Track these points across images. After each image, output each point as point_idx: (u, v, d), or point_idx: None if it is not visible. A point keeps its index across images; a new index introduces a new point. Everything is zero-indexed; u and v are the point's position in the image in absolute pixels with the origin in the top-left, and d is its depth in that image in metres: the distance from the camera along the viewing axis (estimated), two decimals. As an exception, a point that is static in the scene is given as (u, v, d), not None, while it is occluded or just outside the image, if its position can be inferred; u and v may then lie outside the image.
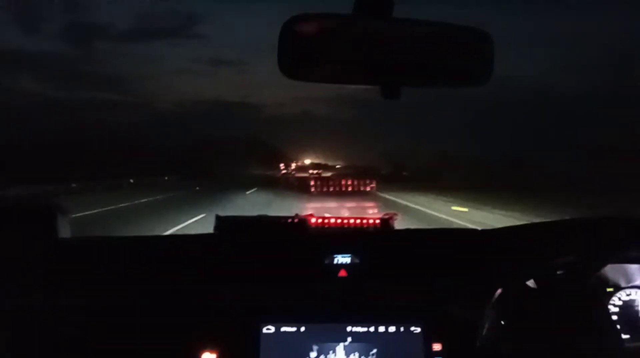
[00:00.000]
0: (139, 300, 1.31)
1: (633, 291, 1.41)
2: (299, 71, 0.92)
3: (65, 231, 1.55)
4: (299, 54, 0.91)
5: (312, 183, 24.54)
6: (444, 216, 12.72)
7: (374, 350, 1.23)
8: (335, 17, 0.92)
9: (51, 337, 1.25)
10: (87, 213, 12.71)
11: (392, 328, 1.25)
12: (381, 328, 1.25)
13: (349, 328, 1.25)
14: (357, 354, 1.23)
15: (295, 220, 1.71)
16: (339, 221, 1.81)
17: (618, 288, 1.41)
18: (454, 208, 15.03)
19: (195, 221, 11.11)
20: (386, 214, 1.85)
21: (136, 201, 17.34)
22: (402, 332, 1.25)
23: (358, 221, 1.82)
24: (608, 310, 1.39)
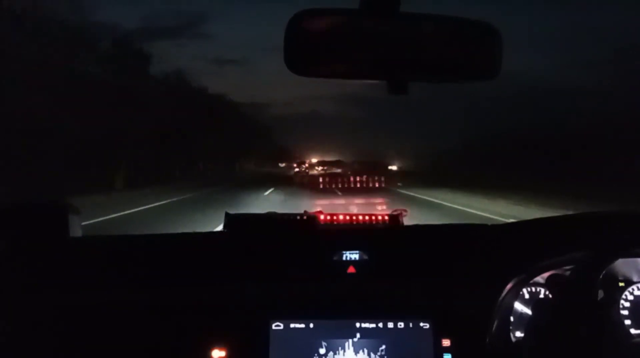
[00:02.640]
0: (149, 298, 1.32)
1: None
2: (305, 67, 0.92)
3: (76, 230, 1.56)
4: (305, 49, 0.91)
5: (320, 179, 24.71)
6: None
7: (383, 346, 1.23)
8: (341, 12, 0.91)
9: (60, 335, 1.26)
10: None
11: (401, 324, 1.25)
12: (390, 324, 1.25)
13: (357, 325, 1.25)
14: (366, 350, 1.23)
15: (304, 217, 1.71)
16: (347, 218, 1.82)
17: (630, 283, 1.40)
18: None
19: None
20: (395, 210, 1.85)
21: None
22: (411, 327, 1.25)
23: (367, 217, 1.82)
24: (618, 305, 1.38)
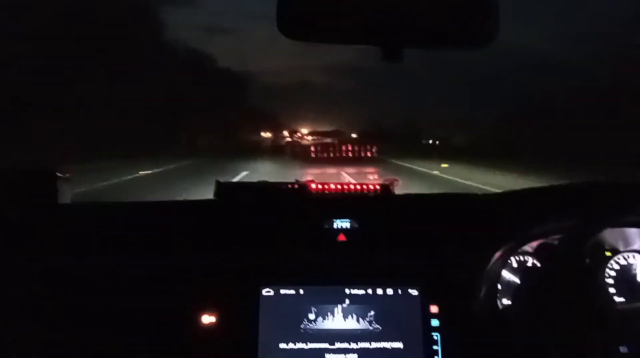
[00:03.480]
0: (138, 264, 1.32)
1: (631, 255, 1.42)
2: (298, 31, 0.90)
3: (65, 196, 1.55)
4: (299, 12, 0.88)
5: (312, 148, 23.49)
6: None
7: (372, 312, 1.25)
8: None
9: (46, 301, 1.26)
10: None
11: (389, 291, 1.27)
12: (379, 291, 1.27)
13: (347, 291, 1.26)
14: (355, 316, 1.25)
15: (295, 186, 1.71)
16: (339, 186, 1.82)
17: (616, 252, 1.42)
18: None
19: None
20: (386, 179, 1.85)
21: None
22: (400, 294, 1.26)
23: (358, 186, 1.82)
24: (604, 274, 1.40)
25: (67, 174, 1.58)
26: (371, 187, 1.80)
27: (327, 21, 0.90)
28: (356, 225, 1.41)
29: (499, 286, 1.38)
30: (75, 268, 1.30)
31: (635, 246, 1.43)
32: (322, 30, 0.92)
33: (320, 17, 0.89)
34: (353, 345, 1.23)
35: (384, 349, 1.23)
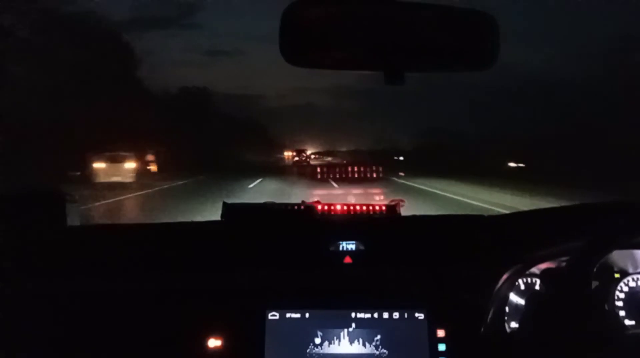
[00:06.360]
0: (145, 286, 1.33)
1: None
2: (301, 57, 0.91)
3: (74, 219, 1.56)
4: (301, 39, 0.90)
5: (318, 169, 24.09)
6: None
7: (378, 336, 1.24)
8: (338, 0, 0.91)
9: (54, 323, 1.27)
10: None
11: (396, 315, 1.25)
12: (385, 315, 1.26)
13: (353, 315, 1.25)
14: (361, 340, 1.24)
15: (302, 207, 1.71)
16: (344, 208, 1.82)
17: (625, 274, 1.40)
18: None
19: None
20: (392, 200, 1.85)
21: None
22: (406, 318, 1.25)
23: (364, 207, 1.82)
24: (613, 296, 1.38)
25: (76, 196, 1.60)
26: (377, 208, 1.80)
27: (329, 48, 0.91)
28: (362, 247, 1.40)
29: (507, 309, 1.36)
30: (82, 290, 1.31)
31: None
32: (325, 57, 0.93)
33: (323, 44, 0.91)
34: None
35: None
